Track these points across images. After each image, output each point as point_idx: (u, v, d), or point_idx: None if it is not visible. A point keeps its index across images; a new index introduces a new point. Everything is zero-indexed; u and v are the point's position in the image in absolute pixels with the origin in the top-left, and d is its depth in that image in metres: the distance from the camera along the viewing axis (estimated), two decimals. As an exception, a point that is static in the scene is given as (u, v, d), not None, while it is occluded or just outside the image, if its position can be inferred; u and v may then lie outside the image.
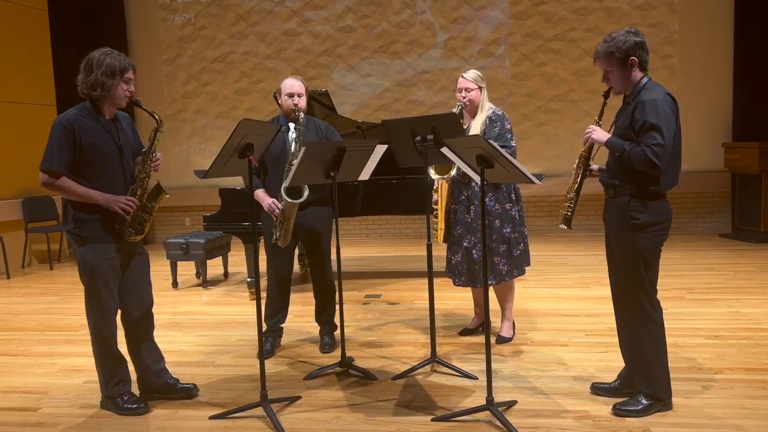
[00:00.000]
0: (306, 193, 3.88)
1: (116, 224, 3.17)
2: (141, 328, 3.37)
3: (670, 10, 8.47)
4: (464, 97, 4.01)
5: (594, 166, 3.16)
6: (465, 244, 4.06)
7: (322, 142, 3.96)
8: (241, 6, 9.17)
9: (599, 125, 3.09)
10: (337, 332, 4.26)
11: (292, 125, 3.99)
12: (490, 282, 4.04)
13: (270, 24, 9.15)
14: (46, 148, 3.07)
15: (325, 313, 4.28)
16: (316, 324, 4.35)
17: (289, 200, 3.85)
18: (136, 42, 9.32)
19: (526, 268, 4.21)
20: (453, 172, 3.97)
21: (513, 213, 4.06)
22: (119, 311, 3.31)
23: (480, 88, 4.03)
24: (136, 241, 3.26)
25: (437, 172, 3.99)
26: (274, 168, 4.01)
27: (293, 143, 3.93)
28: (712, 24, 8.39)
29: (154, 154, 3.24)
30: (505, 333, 4.22)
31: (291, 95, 3.98)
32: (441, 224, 4.14)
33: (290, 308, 4.36)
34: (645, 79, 2.99)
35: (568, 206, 3.16)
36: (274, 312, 4.20)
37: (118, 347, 3.33)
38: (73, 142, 3.05)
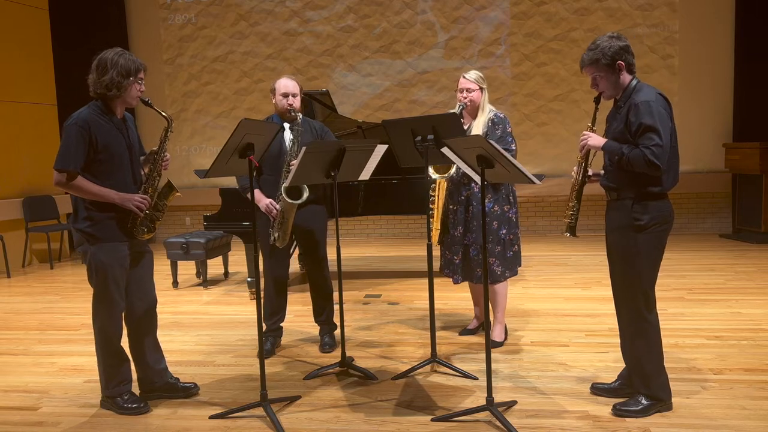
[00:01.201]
0: (306, 194, 3.89)
1: (128, 222, 3.19)
2: (144, 326, 3.38)
3: (671, 11, 8.47)
4: (465, 98, 3.99)
5: (590, 172, 3.16)
6: (465, 242, 4.07)
7: (323, 141, 3.96)
8: (241, 6, 9.17)
9: (593, 131, 3.09)
10: (337, 332, 4.26)
11: (287, 125, 4.00)
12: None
13: (270, 24, 9.15)
14: (61, 147, 3.07)
15: (323, 313, 4.28)
16: (316, 324, 4.35)
17: (290, 201, 3.86)
18: (137, 41, 9.33)
19: (519, 269, 4.21)
20: (452, 171, 3.97)
21: (510, 215, 4.07)
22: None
23: (481, 89, 4.01)
24: (145, 240, 3.29)
25: (436, 172, 3.99)
26: (269, 168, 4.01)
27: (291, 143, 3.94)
28: (713, 24, 8.39)
29: (164, 153, 3.27)
30: (497, 337, 4.18)
31: (286, 95, 3.98)
32: (436, 224, 4.12)
33: (290, 308, 4.37)
34: (634, 81, 3.00)
35: (571, 214, 3.17)
36: (273, 312, 4.19)
37: (122, 346, 3.34)
38: (88, 141, 3.07)
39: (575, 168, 3.16)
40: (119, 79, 3.08)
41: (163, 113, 3.28)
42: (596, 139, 3.04)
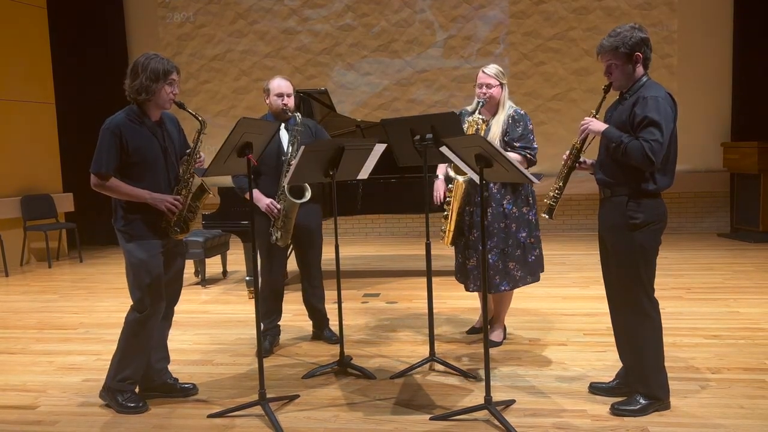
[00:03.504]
0: (308, 193, 3.93)
1: (162, 223, 3.23)
2: (160, 324, 3.39)
3: (670, 10, 8.48)
4: (485, 94, 3.85)
5: (582, 158, 3.16)
6: (481, 248, 3.94)
7: (321, 141, 3.99)
8: (240, 4, 9.16)
9: (595, 118, 3.09)
10: (336, 328, 4.26)
11: (282, 125, 4.04)
12: (504, 288, 3.96)
13: (269, 22, 9.14)
14: (96, 151, 3.16)
15: (322, 311, 4.34)
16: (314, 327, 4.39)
17: (293, 200, 3.88)
18: (135, 40, 9.31)
19: (541, 274, 4.09)
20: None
21: (529, 217, 3.94)
22: None
23: (501, 84, 3.87)
24: (179, 239, 3.33)
25: (456, 172, 3.86)
26: (267, 168, 4.02)
27: (288, 143, 3.97)
28: (712, 23, 8.39)
29: (198, 155, 3.31)
30: (495, 337, 4.16)
31: (280, 95, 4.02)
32: (450, 226, 3.97)
33: (289, 307, 4.38)
34: (645, 78, 3.00)
35: (553, 196, 3.18)
36: (269, 312, 4.20)
37: (149, 346, 3.34)
38: (119, 145, 3.13)
39: (568, 152, 3.16)
40: (148, 83, 3.13)
41: (198, 116, 3.31)
42: (597, 124, 3.04)
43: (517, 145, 3.83)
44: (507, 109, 3.91)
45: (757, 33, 8.04)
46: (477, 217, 3.91)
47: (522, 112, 3.93)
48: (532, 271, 4.01)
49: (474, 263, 3.97)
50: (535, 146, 3.91)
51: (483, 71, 3.89)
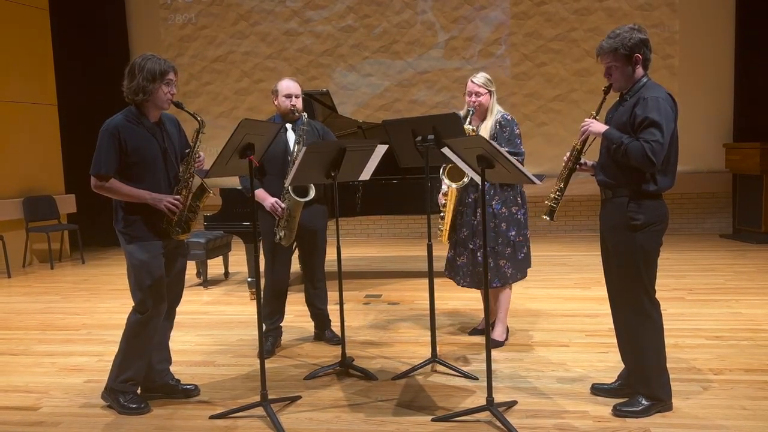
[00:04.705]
0: (312, 192, 3.96)
1: (163, 223, 3.23)
2: (162, 325, 3.39)
3: (671, 11, 8.48)
4: (474, 102, 3.99)
5: (582, 159, 3.16)
6: (470, 246, 4.05)
7: (323, 142, 4.02)
8: (241, 6, 9.17)
9: (596, 120, 3.09)
10: (337, 329, 4.27)
11: (289, 126, 4.07)
12: (495, 284, 4.05)
13: (271, 24, 9.16)
14: (95, 152, 3.17)
15: (324, 312, 4.35)
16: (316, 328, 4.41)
17: (297, 198, 3.89)
18: (137, 41, 9.33)
19: (528, 270, 4.21)
20: (466, 180, 3.92)
21: (519, 216, 4.05)
22: None
23: (489, 92, 4.01)
24: (181, 240, 3.32)
25: (450, 179, 3.96)
26: (273, 168, 4.04)
27: (295, 144, 4.00)
28: (713, 24, 8.39)
29: (197, 155, 3.30)
30: (498, 337, 4.19)
31: (289, 96, 4.05)
32: (447, 225, 4.11)
33: (290, 308, 4.39)
34: (645, 79, 3.00)
35: (554, 198, 3.19)
36: (271, 313, 4.21)
37: (149, 346, 3.34)
38: (118, 146, 3.14)
39: (568, 153, 3.16)
40: (145, 84, 3.14)
41: (197, 116, 3.30)
42: (598, 126, 3.04)
43: (505, 149, 3.88)
44: (495, 114, 4.03)
45: (759, 33, 8.03)
46: (466, 217, 4.07)
47: (509, 117, 4.03)
48: (521, 268, 4.13)
49: (463, 260, 4.11)
50: (522, 150, 3.99)
51: (471, 80, 4.03)
